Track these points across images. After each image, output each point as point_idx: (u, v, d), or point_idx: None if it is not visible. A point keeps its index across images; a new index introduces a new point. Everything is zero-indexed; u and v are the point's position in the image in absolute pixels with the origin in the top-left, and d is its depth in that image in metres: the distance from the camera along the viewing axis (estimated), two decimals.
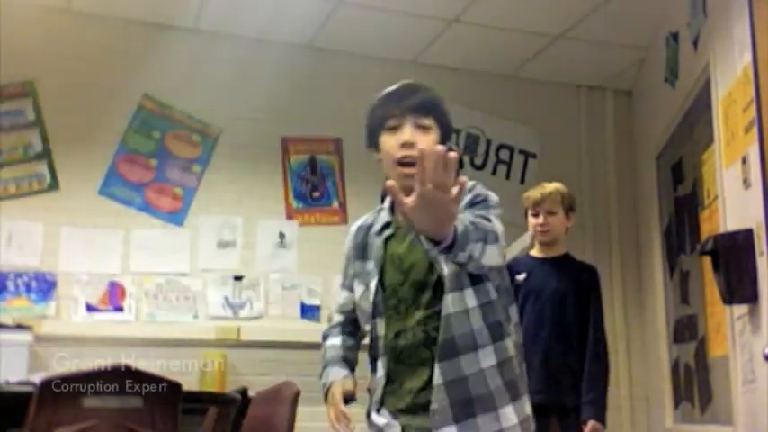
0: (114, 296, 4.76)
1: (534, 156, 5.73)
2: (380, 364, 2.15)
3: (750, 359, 3.37)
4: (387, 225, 2.23)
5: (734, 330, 3.57)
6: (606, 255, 5.54)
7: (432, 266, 2.08)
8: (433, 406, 2.02)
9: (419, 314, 2.09)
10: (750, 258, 3.24)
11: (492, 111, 5.68)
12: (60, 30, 4.92)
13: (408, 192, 1.86)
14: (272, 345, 4.90)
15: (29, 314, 4.54)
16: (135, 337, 4.64)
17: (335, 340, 2.37)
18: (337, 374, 2.27)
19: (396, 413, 2.12)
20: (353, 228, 2.35)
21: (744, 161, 3.38)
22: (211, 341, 4.82)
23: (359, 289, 2.23)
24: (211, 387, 4.59)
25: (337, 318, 2.42)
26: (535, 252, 3.70)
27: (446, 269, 2.04)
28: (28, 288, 4.61)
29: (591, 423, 3.40)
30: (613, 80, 5.74)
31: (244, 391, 3.42)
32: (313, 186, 5.28)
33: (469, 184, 2.05)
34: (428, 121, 2.15)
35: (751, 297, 3.25)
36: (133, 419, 2.59)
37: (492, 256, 1.96)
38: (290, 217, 5.19)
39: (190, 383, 4.01)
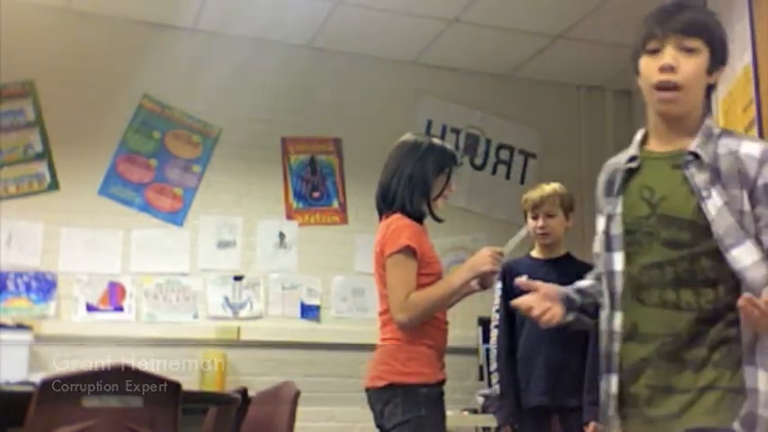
0: (114, 296, 4.76)
1: (534, 156, 5.73)
2: (612, 307, 2.04)
3: None
4: (632, 158, 2.12)
5: None
6: None
7: (688, 204, 1.93)
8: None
9: (670, 253, 1.94)
10: None
11: (492, 111, 5.68)
12: (60, 30, 4.92)
13: (664, 118, 1.99)
14: (271, 345, 4.90)
15: (29, 314, 4.54)
16: (135, 337, 4.64)
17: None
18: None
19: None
20: (606, 165, 2.25)
21: None
22: (211, 341, 4.82)
23: (601, 223, 2.14)
24: (211, 387, 4.59)
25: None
26: (535, 253, 3.67)
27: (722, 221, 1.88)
28: (28, 288, 4.61)
29: (593, 425, 3.38)
30: (613, 80, 5.74)
31: (244, 391, 3.42)
32: (313, 186, 5.27)
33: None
34: (694, 43, 1.97)
35: None
36: (133, 419, 2.58)
37: None
38: (290, 217, 5.18)
39: (190, 383, 4.01)
